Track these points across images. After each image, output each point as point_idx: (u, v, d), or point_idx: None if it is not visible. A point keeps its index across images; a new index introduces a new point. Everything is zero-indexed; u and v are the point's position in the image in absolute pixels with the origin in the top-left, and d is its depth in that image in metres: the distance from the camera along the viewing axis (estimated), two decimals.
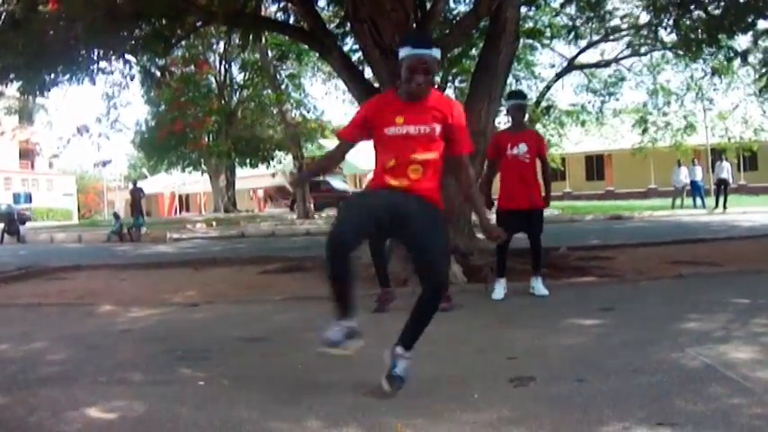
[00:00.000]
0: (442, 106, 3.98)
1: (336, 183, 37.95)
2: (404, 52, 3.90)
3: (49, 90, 11.49)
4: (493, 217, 6.09)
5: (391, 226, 3.90)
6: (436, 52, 3.93)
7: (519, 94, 7.92)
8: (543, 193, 7.27)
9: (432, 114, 3.94)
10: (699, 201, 26.30)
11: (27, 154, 60.00)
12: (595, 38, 22.83)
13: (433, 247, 3.81)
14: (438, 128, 3.94)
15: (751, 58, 17.89)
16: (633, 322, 5.62)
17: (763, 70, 18.02)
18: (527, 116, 25.07)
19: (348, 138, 4.17)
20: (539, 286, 7.16)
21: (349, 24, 10.92)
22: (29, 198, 53.99)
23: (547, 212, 7.54)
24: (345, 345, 3.82)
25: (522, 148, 7.06)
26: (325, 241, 3.67)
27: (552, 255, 10.07)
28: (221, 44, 32.66)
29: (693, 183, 26.67)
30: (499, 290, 7.13)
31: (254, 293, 8.40)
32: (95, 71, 11.44)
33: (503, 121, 18.54)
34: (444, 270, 3.95)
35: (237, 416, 3.61)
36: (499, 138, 7.49)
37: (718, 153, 29.49)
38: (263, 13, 14.08)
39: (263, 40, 21.30)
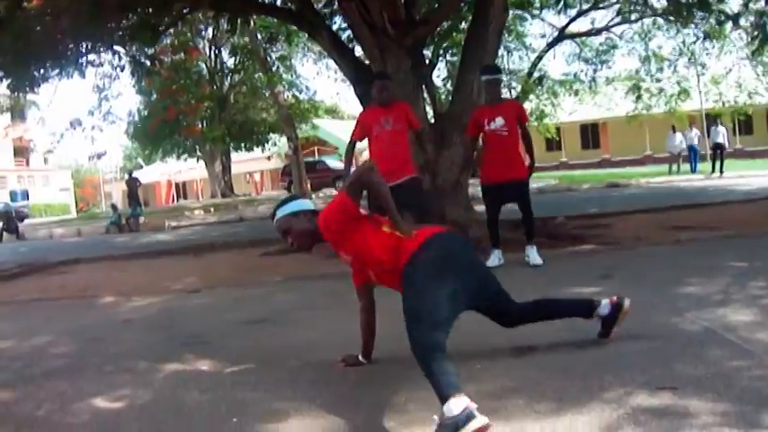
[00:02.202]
0: None
1: (333, 163, 37.92)
2: None
3: (39, 86, 11.44)
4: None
5: None
6: (280, 213, 3.93)
7: (492, 69, 7.79)
8: (527, 163, 7.31)
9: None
10: (693, 165, 26.34)
11: (21, 151, 59.90)
12: (585, 6, 22.64)
13: None
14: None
15: (742, 21, 17.76)
16: (632, 288, 5.62)
17: (755, 33, 17.91)
18: (519, 87, 25.09)
19: None
20: (533, 255, 7.20)
21: (336, 3, 10.88)
22: (26, 195, 53.88)
23: (543, 183, 7.59)
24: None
25: (499, 121, 7.10)
26: None
27: (550, 224, 10.11)
28: (210, 30, 32.53)
29: (691, 147, 26.62)
30: (493, 258, 7.22)
31: (255, 276, 8.42)
32: (84, 64, 11.39)
33: None
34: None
35: (242, 398, 3.64)
36: (477, 113, 7.52)
37: (712, 118, 29.40)
38: None
39: (252, 23, 21.21)
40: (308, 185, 29.47)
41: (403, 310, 3.39)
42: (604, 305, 3.97)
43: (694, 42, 24.31)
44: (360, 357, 4.02)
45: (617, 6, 22.95)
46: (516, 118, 7.21)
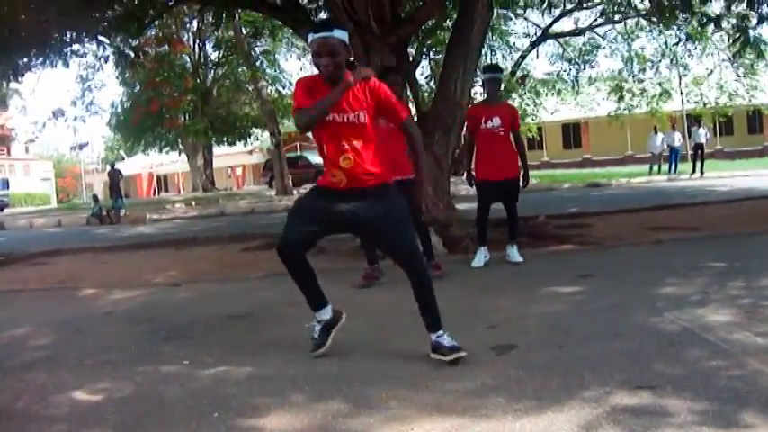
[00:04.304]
0: (369, 92, 3.98)
1: (314, 158, 37.84)
2: (309, 39, 3.96)
3: (23, 75, 11.38)
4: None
5: (347, 227, 4.37)
6: (339, 33, 3.90)
7: (494, 68, 7.87)
8: (522, 169, 7.33)
9: (358, 102, 3.96)
10: (673, 166, 26.55)
11: (2, 140, 59.40)
12: (569, 6, 22.77)
13: (399, 243, 4.03)
14: (363, 115, 3.95)
15: (724, 24, 17.82)
16: (612, 288, 5.69)
17: (737, 35, 18.00)
18: (503, 86, 25.12)
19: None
20: (513, 253, 7.26)
21: None
22: (6, 184, 53.43)
23: None
24: (328, 342, 4.22)
25: (497, 121, 7.12)
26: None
27: (531, 223, 10.15)
28: (195, 23, 32.38)
29: (672, 148, 26.82)
30: (479, 257, 7.25)
31: (236, 271, 8.39)
32: (69, 54, 11.35)
33: (478, 92, 18.56)
34: (417, 255, 4.09)
35: (224, 392, 3.63)
36: (475, 111, 7.57)
37: (693, 119, 29.64)
38: None
39: (237, 17, 21.15)
40: (290, 181, 29.47)
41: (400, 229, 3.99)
42: (326, 311, 4.25)
43: (677, 44, 24.51)
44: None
45: (601, 7, 23.08)
46: (510, 121, 7.23)
